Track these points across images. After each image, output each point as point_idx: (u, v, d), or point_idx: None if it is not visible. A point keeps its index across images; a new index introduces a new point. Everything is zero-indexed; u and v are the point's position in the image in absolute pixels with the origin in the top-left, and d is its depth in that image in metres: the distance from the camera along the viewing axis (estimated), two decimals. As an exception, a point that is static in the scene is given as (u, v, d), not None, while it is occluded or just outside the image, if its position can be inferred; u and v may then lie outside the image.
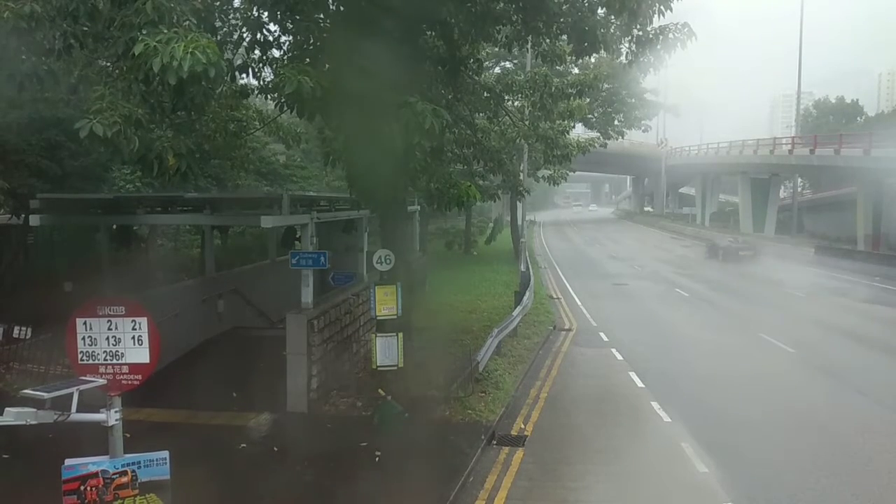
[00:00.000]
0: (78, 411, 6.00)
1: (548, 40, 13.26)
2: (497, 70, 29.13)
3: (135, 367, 6.57)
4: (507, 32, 12.89)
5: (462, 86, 13.86)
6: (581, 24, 11.31)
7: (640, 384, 14.46)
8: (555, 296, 26.98)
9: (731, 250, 38.87)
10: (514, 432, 11.47)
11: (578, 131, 29.56)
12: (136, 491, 6.63)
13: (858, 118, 69.99)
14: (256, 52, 11.04)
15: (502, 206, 49.93)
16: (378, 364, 11.65)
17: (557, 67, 16.37)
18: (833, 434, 11.44)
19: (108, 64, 8.69)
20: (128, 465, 6.60)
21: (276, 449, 10.46)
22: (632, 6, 10.08)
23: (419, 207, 22.15)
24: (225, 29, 10.30)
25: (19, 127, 15.30)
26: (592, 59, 23.90)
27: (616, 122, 42.68)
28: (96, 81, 8.42)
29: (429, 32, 12.53)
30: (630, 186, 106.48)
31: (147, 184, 19.35)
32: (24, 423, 5.80)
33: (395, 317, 11.82)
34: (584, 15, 11.34)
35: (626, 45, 11.42)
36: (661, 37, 10.71)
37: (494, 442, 10.96)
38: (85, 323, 6.50)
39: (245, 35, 10.70)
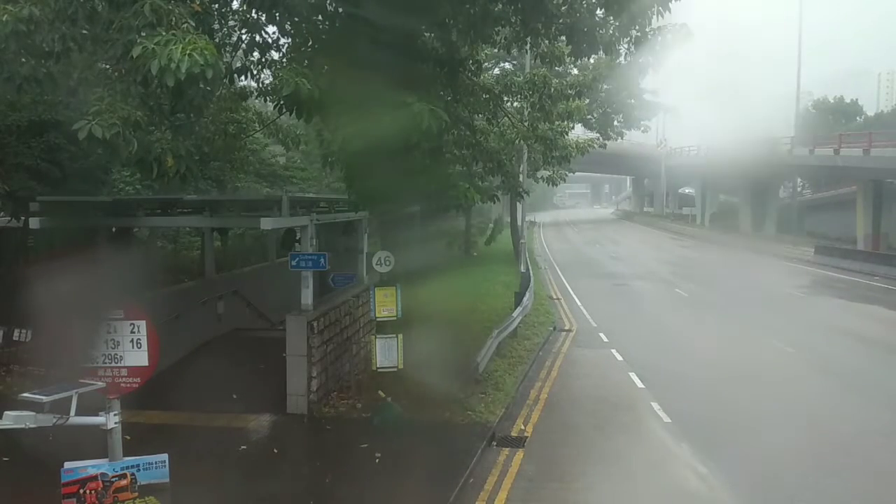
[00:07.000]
0: (77, 414, 6.01)
1: (546, 41, 13.23)
2: (496, 71, 29.08)
3: (134, 370, 6.58)
4: (506, 34, 12.87)
5: (461, 87, 13.83)
6: (580, 26, 11.29)
7: (640, 385, 14.46)
8: (555, 296, 26.96)
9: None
10: (514, 433, 11.47)
11: (578, 132, 29.53)
12: (136, 494, 6.66)
13: (858, 118, 69.88)
14: (255, 54, 11.04)
15: (502, 207, 49.87)
16: (378, 366, 11.67)
17: (556, 68, 16.30)
18: (833, 434, 11.42)
19: (107, 66, 8.68)
20: (127, 467, 6.63)
21: (276, 451, 10.45)
22: (630, 7, 10.08)
23: (418, 209, 22.11)
24: (223, 31, 10.29)
25: (19, 130, 15.29)
26: (591, 60, 23.89)
27: (615, 123, 42.66)
28: (95, 84, 8.42)
29: (427, 34, 12.52)
30: (630, 187, 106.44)
31: (147, 186, 19.32)
32: (23, 426, 5.81)
33: (394, 318, 11.82)
34: (583, 16, 11.31)
35: (625, 46, 11.43)
36: (659, 38, 10.70)
37: (494, 443, 10.95)
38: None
39: (243, 37, 10.71)
